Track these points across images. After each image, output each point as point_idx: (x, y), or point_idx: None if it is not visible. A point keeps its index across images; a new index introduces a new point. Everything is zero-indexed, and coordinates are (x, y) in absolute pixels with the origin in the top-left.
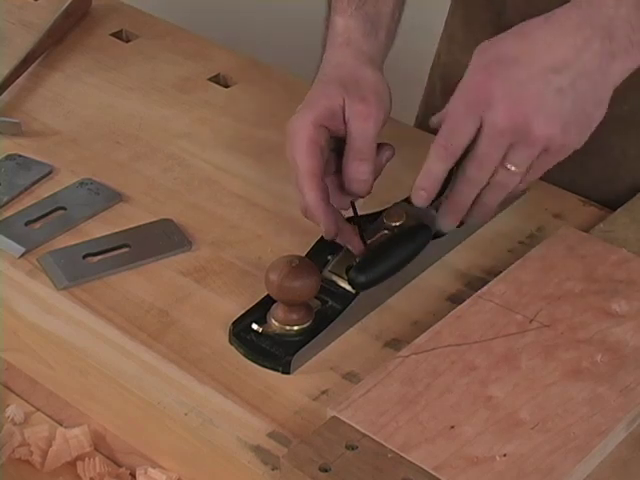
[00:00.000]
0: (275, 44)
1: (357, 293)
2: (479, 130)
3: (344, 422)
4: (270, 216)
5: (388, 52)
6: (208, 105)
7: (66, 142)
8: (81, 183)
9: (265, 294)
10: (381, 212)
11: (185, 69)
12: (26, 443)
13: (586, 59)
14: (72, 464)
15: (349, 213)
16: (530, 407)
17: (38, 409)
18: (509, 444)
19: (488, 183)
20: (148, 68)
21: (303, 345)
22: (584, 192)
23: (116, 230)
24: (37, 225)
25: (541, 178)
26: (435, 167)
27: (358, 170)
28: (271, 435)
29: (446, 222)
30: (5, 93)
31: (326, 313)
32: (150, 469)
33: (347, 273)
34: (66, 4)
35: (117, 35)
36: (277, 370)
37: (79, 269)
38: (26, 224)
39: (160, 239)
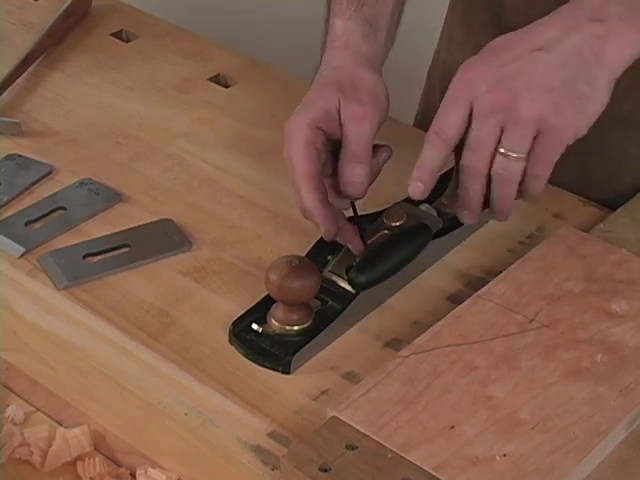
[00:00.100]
0: (275, 44)
1: (357, 293)
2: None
3: (344, 422)
4: (270, 216)
5: (388, 53)
6: (208, 105)
7: (66, 142)
8: (81, 183)
9: (265, 294)
10: (381, 212)
11: (185, 69)
12: (26, 443)
13: (575, 39)
14: (72, 464)
15: (349, 213)
16: (530, 407)
17: (38, 409)
18: (509, 444)
19: (492, 176)
20: (148, 68)
21: (303, 345)
22: (584, 192)
23: (116, 230)
24: (37, 225)
25: None
26: (429, 157)
27: (353, 173)
28: (271, 435)
29: (465, 219)
30: (5, 93)
31: (326, 313)
32: (150, 469)
33: (347, 273)
34: (66, 4)
35: (117, 35)
36: (277, 370)
37: (79, 269)
38: (26, 224)
39: (160, 239)
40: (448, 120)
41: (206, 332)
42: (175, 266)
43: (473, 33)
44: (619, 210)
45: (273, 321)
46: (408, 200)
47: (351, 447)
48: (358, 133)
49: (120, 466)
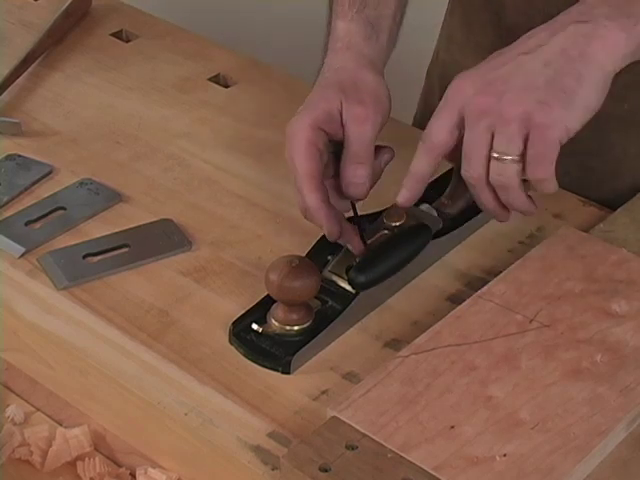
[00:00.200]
0: (275, 44)
1: (357, 293)
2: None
3: (344, 422)
4: (270, 216)
5: (390, 55)
6: (208, 105)
7: (66, 142)
8: (81, 183)
9: (265, 294)
10: (381, 212)
11: (185, 69)
12: (26, 443)
13: (560, 39)
14: (72, 464)
15: (349, 213)
16: (530, 407)
17: (38, 409)
18: (509, 444)
19: (492, 184)
20: (148, 68)
21: (303, 345)
22: (584, 192)
23: (116, 230)
24: (37, 225)
25: None
26: (417, 165)
27: (355, 174)
28: (271, 435)
29: (498, 220)
30: (5, 93)
31: (326, 313)
32: (150, 469)
33: (347, 273)
34: (66, 4)
35: (117, 35)
36: (277, 370)
37: (79, 269)
38: (26, 224)
39: (160, 239)
40: (435, 128)
41: (206, 332)
42: (175, 266)
43: (473, 33)
44: (619, 210)
45: (273, 321)
46: None
47: (351, 447)
48: (360, 134)
49: (120, 466)
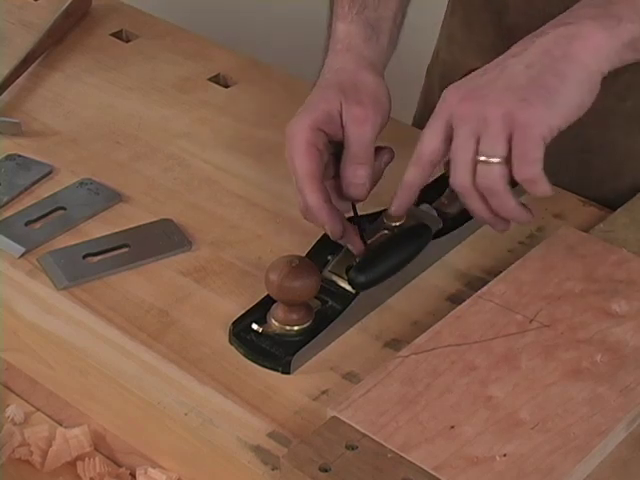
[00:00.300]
0: (275, 44)
1: (357, 293)
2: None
3: (344, 422)
4: (270, 216)
5: (390, 56)
6: (208, 105)
7: (66, 142)
8: (81, 183)
9: (265, 294)
10: (381, 212)
11: (185, 69)
12: (26, 443)
13: (542, 41)
14: (72, 464)
15: (349, 213)
16: (530, 407)
17: (38, 409)
18: (509, 444)
19: (479, 189)
20: (148, 68)
21: (303, 345)
22: (585, 191)
23: (116, 230)
24: (37, 225)
25: None
26: (409, 176)
27: (355, 174)
28: (271, 435)
29: (496, 229)
30: (5, 93)
31: (326, 313)
32: (150, 469)
33: (347, 273)
34: (66, 4)
35: (117, 35)
36: (277, 370)
37: (79, 269)
38: (26, 224)
39: (160, 239)
40: (424, 139)
41: (206, 332)
42: (175, 266)
43: (474, 33)
44: (619, 210)
45: (273, 321)
46: None
47: (351, 447)
48: (360, 135)
49: (120, 466)
